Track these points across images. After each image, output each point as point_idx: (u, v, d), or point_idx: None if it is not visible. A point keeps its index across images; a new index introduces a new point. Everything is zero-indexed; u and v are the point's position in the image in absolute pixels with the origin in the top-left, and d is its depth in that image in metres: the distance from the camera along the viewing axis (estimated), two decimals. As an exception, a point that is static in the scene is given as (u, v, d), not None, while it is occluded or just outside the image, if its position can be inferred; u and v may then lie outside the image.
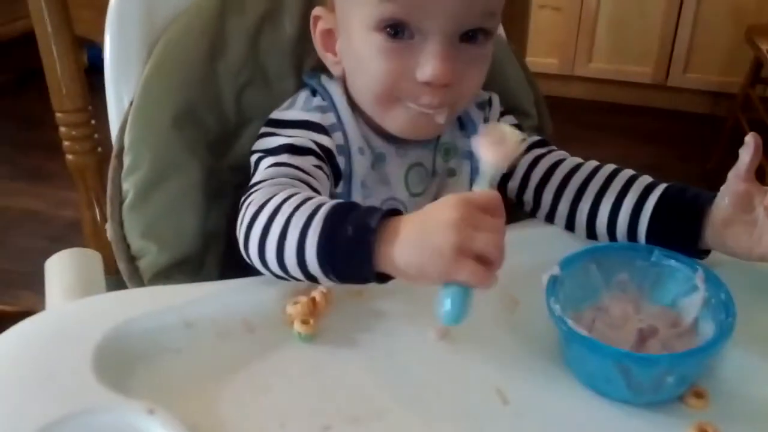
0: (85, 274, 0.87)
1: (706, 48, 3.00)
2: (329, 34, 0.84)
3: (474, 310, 0.69)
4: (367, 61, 0.77)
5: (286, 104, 0.87)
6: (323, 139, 0.81)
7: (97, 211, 1.29)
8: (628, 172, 0.83)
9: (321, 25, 0.84)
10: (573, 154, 0.92)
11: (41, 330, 0.68)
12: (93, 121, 1.25)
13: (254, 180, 0.77)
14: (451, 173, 0.89)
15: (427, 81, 0.75)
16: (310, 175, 0.77)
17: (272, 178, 0.75)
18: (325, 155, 0.81)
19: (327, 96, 0.85)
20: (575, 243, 0.82)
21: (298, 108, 0.85)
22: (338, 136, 0.83)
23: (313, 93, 0.86)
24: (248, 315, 0.71)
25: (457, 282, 0.60)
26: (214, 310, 0.71)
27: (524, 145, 0.68)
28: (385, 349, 0.69)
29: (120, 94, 0.88)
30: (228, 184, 0.89)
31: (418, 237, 0.61)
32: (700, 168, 2.74)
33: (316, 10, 0.84)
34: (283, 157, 0.78)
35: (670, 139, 2.99)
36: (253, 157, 0.82)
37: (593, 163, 0.86)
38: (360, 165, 0.83)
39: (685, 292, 0.70)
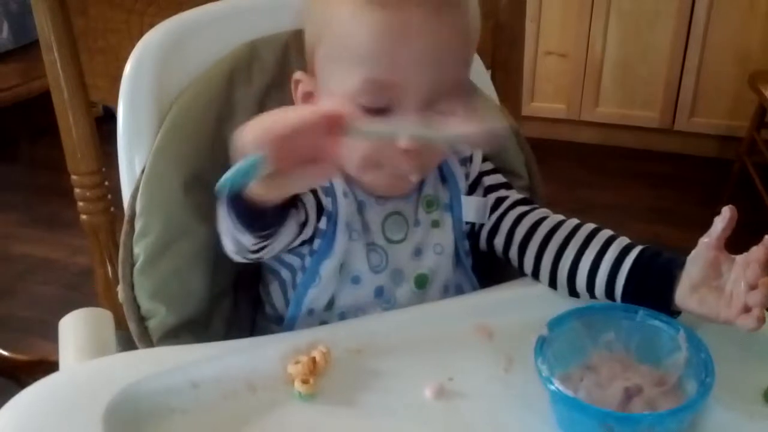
0: (96, 334, 0.90)
1: (712, 92, 3.03)
2: (309, 96, 0.87)
3: (470, 368, 0.72)
4: None
5: None
6: None
7: (109, 268, 1.33)
8: (606, 233, 0.87)
9: (302, 88, 0.88)
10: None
11: (54, 391, 0.72)
12: (106, 182, 1.29)
13: None
14: (435, 224, 0.91)
15: (407, 148, 0.78)
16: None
17: None
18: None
19: None
20: (567, 302, 0.84)
21: None
22: None
23: None
24: (251, 375, 0.74)
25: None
26: (219, 370, 0.74)
27: None
28: (382, 407, 0.72)
29: (132, 160, 0.92)
30: (234, 246, 0.93)
31: None
32: (708, 211, 2.73)
33: (297, 75, 0.88)
34: None
35: (678, 183, 3.00)
36: None
37: (573, 222, 0.89)
38: (344, 207, 0.86)
39: (669, 352, 0.72)
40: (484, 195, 0.94)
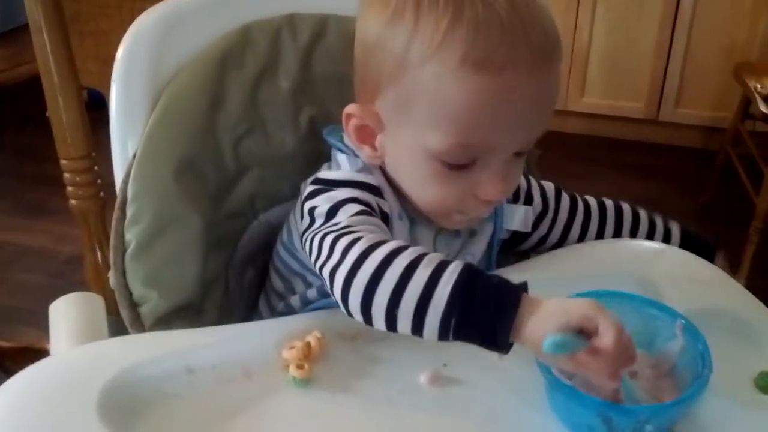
0: (88, 318, 0.89)
1: (697, 83, 3.04)
2: (365, 128, 0.81)
3: (465, 354, 0.71)
4: (424, 181, 0.79)
5: (328, 165, 0.87)
6: (382, 203, 0.81)
7: (98, 254, 1.32)
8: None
9: (354, 122, 0.82)
10: (567, 188, 0.99)
11: (47, 376, 0.71)
12: (96, 168, 1.28)
13: (337, 224, 0.75)
14: (473, 234, 0.91)
15: (491, 200, 0.78)
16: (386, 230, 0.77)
17: (363, 225, 0.74)
18: (383, 220, 0.80)
19: (359, 160, 0.84)
20: (561, 289, 0.84)
21: (345, 170, 0.84)
22: (384, 202, 0.82)
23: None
24: (246, 360, 0.73)
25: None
26: (214, 356, 0.73)
27: None
28: (377, 393, 0.72)
29: (125, 144, 0.91)
30: (227, 232, 0.92)
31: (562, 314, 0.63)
32: (693, 201, 2.77)
33: (349, 108, 0.82)
34: (359, 208, 0.77)
35: (663, 173, 3.02)
36: (319, 210, 0.78)
37: (611, 203, 0.99)
38: (399, 231, 0.84)
39: (665, 339, 0.73)
40: (526, 197, 0.95)
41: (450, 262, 0.67)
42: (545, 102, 0.76)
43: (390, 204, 0.83)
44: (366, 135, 0.82)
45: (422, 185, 0.80)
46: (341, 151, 0.86)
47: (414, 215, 0.85)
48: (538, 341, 0.62)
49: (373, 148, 0.82)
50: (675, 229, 0.97)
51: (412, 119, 0.76)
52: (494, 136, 0.74)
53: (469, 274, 0.66)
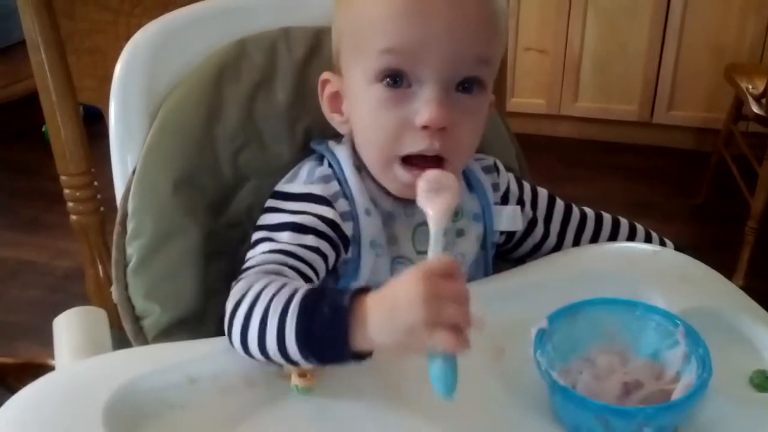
0: (92, 332, 0.90)
1: (689, 86, 3.06)
2: (336, 96, 0.88)
3: (462, 358, 0.73)
4: (370, 114, 0.82)
5: (289, 175, 0.90)
6: (326, 212, 0.84)
7: (100, 268, 1.33)
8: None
9: (329, 89, 0.88)
10: (562, 192, 1.00)
11: (53, 390, 0.72)
12: (96, 183, 1.29)
13: (248, 263, 0.80)
14: (460, 233, 0.92)
15: (425, 124, 0.78)
16: (304, 260, 0.80)
17: (261, 265, 0.78)
18: (330, 227, 0.83)
19: (335, 161, 0.88)
20: (557, 293, 0.84)
21: (300, 181, 0.88)
22: (343, 204, 0.85)
23: (320, 159, 0.90)
24: (249, 370, 0.74)
25: (435, 353, 0.62)
26: (216, 366, 0.74)
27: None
28: (380, 399, 0.73)
29: (125, 160, 0.92)
30: (226, 243, 0.93)
31: (389, 317, 0.63)
32: (688, 203, 2.79)
33: (324, 75, 0.89)
34: (282, 238, 0.81)
35: (657, 176, 3.03)
36: (256, 234, 0.84)
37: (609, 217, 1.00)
38: (369, 226, 0.86)
39: (667, 346, 0.73)
40: (518, 203, 0.96)
41: (295, 294, 0.69)
42: (469, 27, 0.79)
43: (355, 202, 0.85)
44: (336, 103, 0.88)
45: (370, 122, 0.82)
46: (315, 154, 0.91)
47: (392, 208, 0.87)
48: (380, 345, 0.65)
49: (341, 114, 0.88)
50: (670, 245, 0.98)
51: (355, 55, 0.82)
52: (416, 46, 0.77)
53: (301, 317, 0.68)
